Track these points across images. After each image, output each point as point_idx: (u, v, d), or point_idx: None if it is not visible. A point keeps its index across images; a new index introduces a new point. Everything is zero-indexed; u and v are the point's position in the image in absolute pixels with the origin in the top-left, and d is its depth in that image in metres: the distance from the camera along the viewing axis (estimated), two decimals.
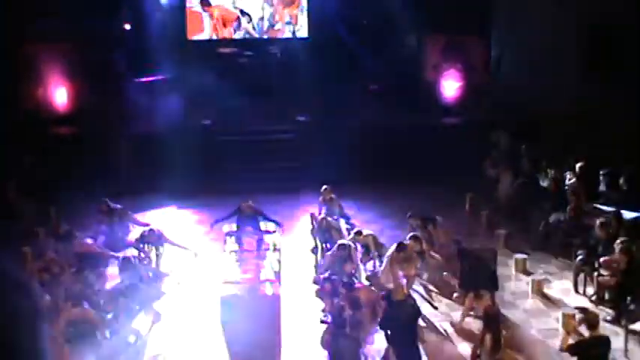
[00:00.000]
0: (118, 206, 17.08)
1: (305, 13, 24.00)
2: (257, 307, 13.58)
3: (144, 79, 22.47)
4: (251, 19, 24.01)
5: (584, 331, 10.31)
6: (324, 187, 17.06)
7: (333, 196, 16.98)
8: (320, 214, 16.44)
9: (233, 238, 16.11)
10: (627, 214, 15.65)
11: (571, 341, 10.29)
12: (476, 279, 13.31)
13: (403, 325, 10.57)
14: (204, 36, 23.94)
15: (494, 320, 10.09)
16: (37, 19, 20.27)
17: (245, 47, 23.91)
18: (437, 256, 15.02)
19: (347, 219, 17.09)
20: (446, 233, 15.97)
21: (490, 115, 21.63)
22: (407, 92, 21.70)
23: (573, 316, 11.93)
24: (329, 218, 16.08)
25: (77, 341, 11.82)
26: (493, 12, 22.72)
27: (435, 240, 15.51)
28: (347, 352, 10.92)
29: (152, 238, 15.76)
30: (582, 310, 11.00)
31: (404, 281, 13.23)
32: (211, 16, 23.78)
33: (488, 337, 9.87)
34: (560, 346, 10.93)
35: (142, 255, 15.54)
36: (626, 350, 11.88)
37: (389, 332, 10.80)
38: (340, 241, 14.39)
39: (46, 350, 2.47)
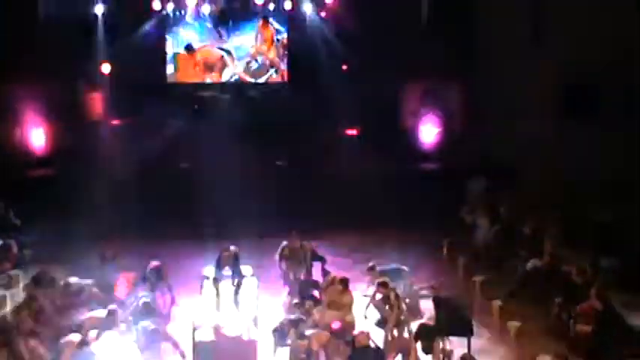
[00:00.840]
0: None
1: (284, 58, 24.17)
2: (233, 352, 13.49)
3: (121, 121, 22.44)
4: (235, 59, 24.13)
5: None
6: (292, 232, 16.84)
7: (303, 243, 16.91)
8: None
9: (210, 281, 16.01)
10: (603, 261, 15.77)
11: None
12: (450, 326, 13.28)
13: None
14: (185, 79, 24.00)
15: None
16: (14, 58, 20.25)
17: (224, 91, 24.00)
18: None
19: (323, 261, 16.98)
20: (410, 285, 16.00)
21: (468, 162, 21.76)
22: (385, 138, 21.77)
23: None
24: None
25: None
26: (473, 58, 22.95)
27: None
28: None
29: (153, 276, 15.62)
30: (565, 356, 11.00)
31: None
32: (194, 60, 23.91)
33: None
34: None
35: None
36: None
37: None
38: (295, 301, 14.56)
39: None
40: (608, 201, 17.30)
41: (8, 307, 15.53)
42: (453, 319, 13.29)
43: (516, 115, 21.69)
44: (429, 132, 22.69)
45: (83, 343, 12.38)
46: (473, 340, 13.78)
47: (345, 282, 14.87)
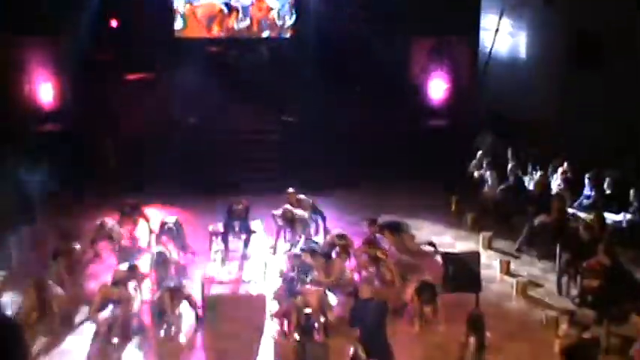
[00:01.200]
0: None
1: (293, 14, 24.00)
2: (243, 307, 13.62)
3: (131, 77, 22.40)
4: (239, 13, 23.98)
5: (571, 333, 10.35)
6: (289, 189, 16.93)
7: (300, 197, 16.92)
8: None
9: (219, 238, 16.11)
10: (610, 217, 15.80)
11: (562, 344, 10.31)
12: (459, 282, 13.36)
13: (371, 322, 10.62)
14: (192, 34, 23.87)
15: (478, 323, 10.12)
16: (23, 13, 20.15)
17: (233, 46, 23.89)
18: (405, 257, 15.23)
19: (323, 218, 17.02)
20: (410, 238, 16.08)
21: (476, 117, 21.72)
22: (393, 94, 21.71)
23: (558, 318, 12.07)
24: (294, 209, 16.16)
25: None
26: (482, 13, 22.82)
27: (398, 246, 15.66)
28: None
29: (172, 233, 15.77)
30: (572, 312, 11.06)
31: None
32: (194, 14, 23.76)
33: (472, 340, 9.89)
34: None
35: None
36: (607, 352, 11.97)
37: (358, 330, 10.84)
38: (293, 252, 14.73)
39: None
40: (618, 156, 17.27)
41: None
42: (461, 276, 13.37)
43: (524, 69, 21.62)
44: (437, 88, 22.59)
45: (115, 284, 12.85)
46: (480, 295, 13.88)
47: (344, 237, 15.00)
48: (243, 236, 16.02)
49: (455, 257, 13.74)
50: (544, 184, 17.62)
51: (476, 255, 13.80)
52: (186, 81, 20.65)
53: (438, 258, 15.14)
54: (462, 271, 13.40)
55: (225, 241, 15.96)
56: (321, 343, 11.69)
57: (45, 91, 21.26)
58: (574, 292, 14.18)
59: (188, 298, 13.22)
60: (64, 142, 20.06)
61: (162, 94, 21.36)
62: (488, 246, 16.75)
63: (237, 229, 16.06)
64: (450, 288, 13.48)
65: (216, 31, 24.00)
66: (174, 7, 23.60)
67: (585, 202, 17.04)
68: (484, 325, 10.02)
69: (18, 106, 21.03)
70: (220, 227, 16.14)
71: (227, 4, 23.95)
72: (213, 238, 16.07)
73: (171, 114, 21.07)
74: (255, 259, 15.29)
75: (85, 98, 21.01)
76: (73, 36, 21.00)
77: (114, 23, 22.85)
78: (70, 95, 21.36)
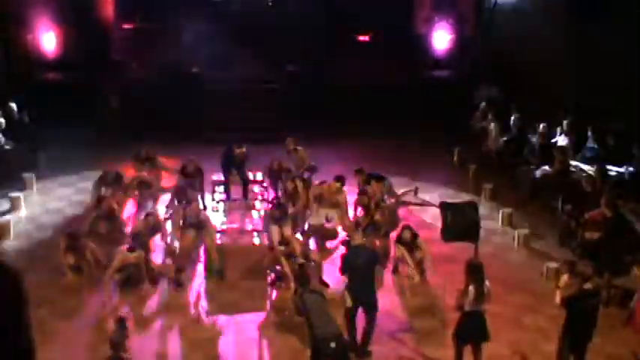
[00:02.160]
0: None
1: None
2: (244, 257, 13.68)
3: (133, 26, 22.26)
4: None
5: (572, 284, 10.39)
6: (288, 138, 16.91)
7: (297, 147, 16.87)
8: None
9: (221, 187, 16.14)
10: (613, 169, 15.79)
11: (563, 293, 10.36)
12: (457, 230, 13.39)
13: (361, 269, 10.72)
14: None
15: (477, 272, 10.15)
16: None
17: None
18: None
19: (313, 170, 16.97)
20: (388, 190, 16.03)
21: (480, 69, 21.62)
22: (397, 44, 21.58)
23: (559, 269, 12.11)
24: (282, 163, 16.15)
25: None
26: None
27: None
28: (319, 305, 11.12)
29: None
30: (573, 262, 11.09)
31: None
32: None
33: (471, 289, 9.93)
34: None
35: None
36: (607, 303, 12.04)
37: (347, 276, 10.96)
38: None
39: (31, 338, 2.46)
40: (620, 109, 17.18)
41: (23, 208, 15.79)
42: (459, 224, 13.37)
43: (528, 20, 21.45)
44: (441, 38, 22.46)
45: (132, 249, 12.81)
46: (481, 246, 13.92)
47: (341, 180, 15.00)
48: (242, 182, 16.07)
49: (452, 206, 13.72)
50: (546, 135, 17.57)
51: (474, 204, 13.80)
52: (189, 30, 20.53)
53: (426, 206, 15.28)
54: (460, 220, 13.40)
55: (227, 190, 16.00)
56: (318, 292, 11.75)
57: (48, 40, 21.20)
58: (575, 244, 14.23)
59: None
60: (66, 91, 20.03)
61: (165, 43, 21.24)
62: (491, 197, 16.78)
63: (236, 174, 16.08)
64: (448, 236, 13.51)
65: None
66: None
67: (588, 154, 16.99)
68: (483, 274, 10.06)
69: (21, 54, 20.99)
70: (222, 176, 16.17)
71: None
72: (215, 187, 16.11)
73: (174, 63, 20.98)
74: (258, 208, 15.34)
75: (88, 49, 20.92)
76: None
77: None
78: (74, 45, 21.26)
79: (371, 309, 10.86)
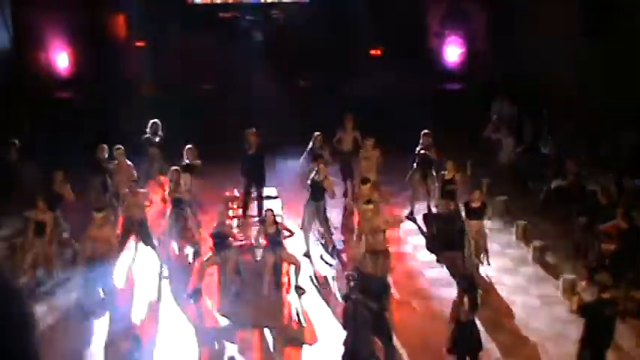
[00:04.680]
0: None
1: None
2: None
3: (145, 44, 22.34)
4: None
5: (590, 291, 10.37)
6: (316, 133, 16.94)
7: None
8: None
9: (236, 203, 16.16)
10: (628, 181, 15.71)
11: (580, 300, 10.32)
12: (444, 241, 13.40)
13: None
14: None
15: (470, 282, 10.20)
16: None
17: (246, 12, 23.75)
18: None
19: None
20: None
21: (492, 81, 21.60)
22: (409, 58, 21.58)
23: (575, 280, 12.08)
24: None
25: None
26: None
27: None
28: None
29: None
30: (593, 269, 11.07)
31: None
32: None
33: (465, 299, 9.96)
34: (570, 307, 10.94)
35: None
36: (623, 315, 11.96)
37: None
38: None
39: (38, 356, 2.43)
40: (635, 121, 17.14)
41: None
42: (444, 234, 13.38)
43: (541, 34, 21.41)
44: (452, 52, 22.48)
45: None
46: (496, 259, 13.90)
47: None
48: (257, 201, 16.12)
49: (436, 217, 13.73)
50: (560, 146, 17.52)
51: (457, 212, 13.76)
52: (201, 47, 20.60)
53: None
54: (446, 230, 13.38)
55: (244, 206, 16.07)
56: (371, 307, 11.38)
57: (61, 59, 21.33)
58: (591, 255, 14.15)
59: None
60: (79, 108, 20.13)
61: (176, 61, 21.29)
62: (504, 210, 16.71)
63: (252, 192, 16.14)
64: (435, 247, 13.56)
65: None
66: None
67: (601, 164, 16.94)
68: (475, 285, 10.12)
69: (34, 73, 21.12)
70: (236, 193, 16.21)
71: None
72: (229, 204, 16.14)
73: (184, 80, 21.04)
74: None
75: (98, 66, 21.01)
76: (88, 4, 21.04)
77: None
78: (84, 63, 21.37)
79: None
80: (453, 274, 13.21)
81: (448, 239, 13.27)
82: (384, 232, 12.96)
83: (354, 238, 13.71)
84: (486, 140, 19.75)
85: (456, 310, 10.04)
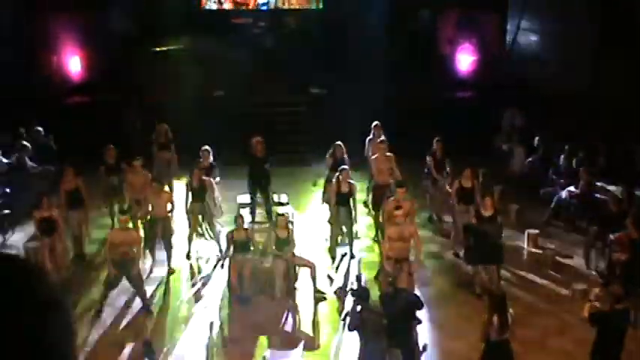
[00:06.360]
0: None
1: None
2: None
3: (157, 49, 22.40)
4: None
5: (603, 299, 10.30)
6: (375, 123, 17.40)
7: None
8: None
9: (247, 209, 16.17)
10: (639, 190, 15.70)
11: (593, 307, 10.24)
12: (481, 254, 13.33)
13: (398, 313, 10.57)
14: (217, 6, 23.78)
15: (499, 300, 10.02)
16: None
17: (259, 18, 23.79)
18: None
19: None
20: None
21: (504, 91, 21.56)
22: (421, 66, 21.57)
23: (585, 290, 12.04)
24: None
25: None
26: None
27: None
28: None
29: None
30: (606, 282, 11.00)
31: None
32: None
33: (495, 318, 9.78)
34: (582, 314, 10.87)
35: None
36: (635, 324, 11.91)
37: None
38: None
39: None
40: None
41: None
42: (483, 247, 13.32)
43: (554, 42, 21.41)
44: (465, 60, 22.46)
45: None
46: (506, 268, 13.86)
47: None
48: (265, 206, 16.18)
49: (476, 229, 13.67)
50: (572, 156, 17.49)
51: (498, 226, 13.72)
52: (212, 54, 20.62)
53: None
54: (484, 243, 13.33)
55: (252, 212, 16.08)
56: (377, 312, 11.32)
57: (73, 63, 21.42)
58: (602, 265, 14.13)
59: None
60: (90, 113, 20.20)
61: (188, 66, 21.31)
62: (516, 219, 16.68)
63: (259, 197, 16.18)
64: (472, 259, 13.48)
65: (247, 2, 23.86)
66: None
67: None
68: (506, 304, 9.93)
69: (47, 76, 21.19)
70: (247, 199, 16.24)
71: None
72: (241, 209, 16.15)
73: (197, 86, 21.05)
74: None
75: (112, 71, 21.06)
76: (101, 10, 21.10)
77: None
78: (97, 67, 21.44)
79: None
80: (483, 290, 13.01)
81: (483, 252, 13.20)
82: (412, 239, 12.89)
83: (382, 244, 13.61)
84: (498, 149, 19.71)
85: (486, 328, 9.86)
